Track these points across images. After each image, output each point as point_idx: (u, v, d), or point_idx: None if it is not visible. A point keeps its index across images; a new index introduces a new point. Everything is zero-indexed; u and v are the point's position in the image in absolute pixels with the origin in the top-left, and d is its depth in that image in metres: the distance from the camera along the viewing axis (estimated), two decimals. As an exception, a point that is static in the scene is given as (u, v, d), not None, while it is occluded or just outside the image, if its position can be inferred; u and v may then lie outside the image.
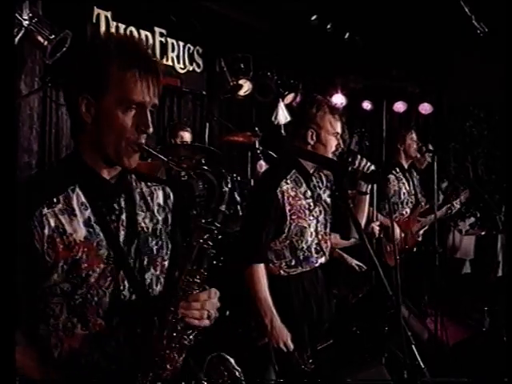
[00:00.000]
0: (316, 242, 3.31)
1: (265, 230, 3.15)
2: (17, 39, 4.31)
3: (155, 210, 2.00)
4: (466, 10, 5.82)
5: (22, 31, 4.39)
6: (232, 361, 1.92)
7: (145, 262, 1.91)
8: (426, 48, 7.50)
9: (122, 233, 1.86)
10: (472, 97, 8.29)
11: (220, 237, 1.84)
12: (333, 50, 7.58)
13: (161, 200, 2.03)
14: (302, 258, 3.26)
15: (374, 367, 2.96)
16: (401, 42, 7.45)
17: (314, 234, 3.30)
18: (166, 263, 2.01)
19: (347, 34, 7.47)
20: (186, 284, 1.80)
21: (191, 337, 1.82)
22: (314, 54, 7.53)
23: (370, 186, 3.44)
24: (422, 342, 3.99)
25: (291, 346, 3.05)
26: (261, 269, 3.13)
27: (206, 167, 1.85)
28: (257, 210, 3.26)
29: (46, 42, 4.57)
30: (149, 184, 2.02)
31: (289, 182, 3.24)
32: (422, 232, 5.53)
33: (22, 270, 1.69)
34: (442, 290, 4.88)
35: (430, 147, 5.90)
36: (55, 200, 1.77)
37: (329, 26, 7.16)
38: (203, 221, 1.82)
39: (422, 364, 2.29)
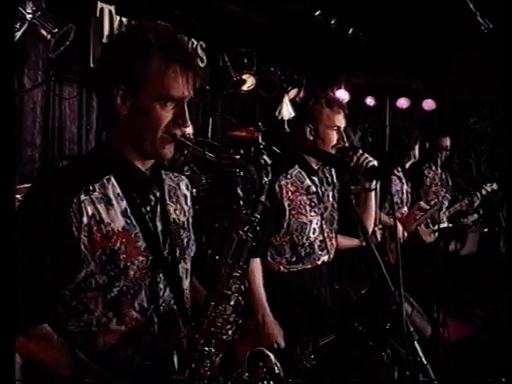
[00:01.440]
0: (320, 239, 3.28)
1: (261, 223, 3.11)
2: (20, 33, 4.30)
3: (182, 202, 2.01)
4: (471, 6, 5.80)
5: (26, 25, 4.38)
6: (272, 356, 1.91)
7: (177, 255, 1.90)
8: (429, 45, 7.47)
9: (158, 224, 1.85)
10: (475, 94, 8.27)
11: (259, 228, 1.82)
12: (336, 46, 7.56)
13: (185, 191, 2.04)
14: (303, 254, 3.24)
15: (375, 363, 2.95)
16: (403, 39, 7.43)
17: (317, 230, 3.27)
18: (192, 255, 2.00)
19: (351, 30, 7.45)
20: (226, 278, 1.78)
21: (230, 332, 1.78)
22: (317, 50, 7.51)
23: (374, 183, 3.37)
24: (424, 338, 3.98)
25: (282, 344, 3.02)
26: (255, 263, 3.08)
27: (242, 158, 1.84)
28: None
29: (49, 36, 4.56)
30: (175, 175, 2.03)
31: (289, 176, 3.22)
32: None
33: (55, 262, 1.66)
34: (444, 287, 4.88)
35: (448, 143, 5.90)
36: (91, 188, 1.74)
37: (333, 22, 7.13)
38: (244, 211, 1.81)
39: (424, 360, 2.29)
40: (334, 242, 3.38)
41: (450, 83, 8.42)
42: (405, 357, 2.33)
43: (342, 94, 8.05)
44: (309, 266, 3.27)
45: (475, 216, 6.98)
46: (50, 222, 1.65)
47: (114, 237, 1.73)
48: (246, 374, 1.88)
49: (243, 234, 1.79)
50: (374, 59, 7.88)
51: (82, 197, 1.71)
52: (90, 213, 1.70)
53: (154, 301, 1.80)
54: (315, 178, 3.32)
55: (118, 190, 1.77)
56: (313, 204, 3.26)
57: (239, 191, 1.75)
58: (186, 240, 1.96)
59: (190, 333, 1.77)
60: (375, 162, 3.12)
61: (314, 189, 3.28)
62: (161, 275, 1.81)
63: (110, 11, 5.98)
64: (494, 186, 5.81)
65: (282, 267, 3.22)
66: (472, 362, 4.42)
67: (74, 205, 1.69)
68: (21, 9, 4.28)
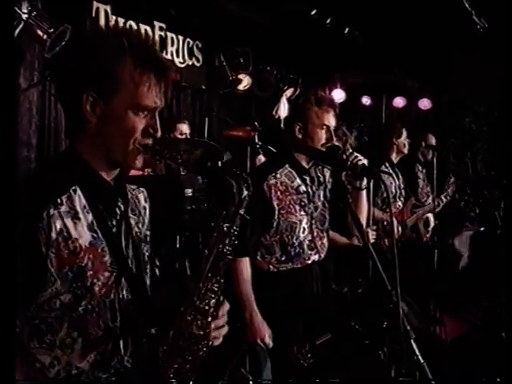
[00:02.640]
0: (309, 238, 3.27)
1: (250, 225, 3.04)
2: (16, 33, 4.29)
3: (143, 215, 1.94)
4: (466, 5, 5.81)
5: (21, 25, 4.38)
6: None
7: (141, 269, 1.84)
8: (425, 44, 7.48)
9: (123, 238, 1.78)
10: (470, 92, 8.29)
11: (237, 242, 1.79)
12: (332, 45, 7.57)
13: (144, 204, 1.96)
14: (293, 254, 3.23)
15: (372, 362, 2.96)
16: (399, 38, 7.44)
17: (307, 230, 3.26)
18: (155, 270, 1.96)
19: (347, 29, 7.46)
20: (204, 292, 1.74)
21: (205, 348, 1.74)
22: (313, 49, 7.52)
23: (365, 182, 3.39)
24: (421, 336, 3.99)
25: (270, 343, 3.03)
26: (244, 263, 3.09)
27: (224, 169, 1.81)
28: None
29: (45, 36, 4.56)
30: (133, 187, 1.94)
31: (279, 176, 3.20)
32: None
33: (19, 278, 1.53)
34: (441, 285, 4.90)
35: (433, 142, 5.93)
36: (59, 201, 1.64)
37: (328, 21, 7.14)
38: (225, 225, 1.77)
39: (421, 359, 2.29)
40: (324, 241, 3.37)
41: (445, 82, 8.42)
42: (401, 356, 2.33)
43: (338, 94, 8.06)
44: (299, 266, 3.26)
45: (471, 215, 7.00)
46: (20, 237, 1.55)
47: (82, 253, 1.65)
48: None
49: (222, 248, 1.77)
50: (369, 58, 7.89)
51: (52, 211, 1.61)
52: (58, 228, 1.62)
53: (119, 318, 1.74)
54: (306, 178, 3.30)
55: (84, 202, 1.69)
56: (302, 203, 3.25)
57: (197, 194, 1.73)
58: (146, 254, 1.91)
59: (165, 347, 1.72)
60: (365, 161, 3.12)
61: (303, 188, 3.26)
62: (124, 291, 1.76)
63: (106, 11, 5.98)
64: (450, 192, 5.82)
65: (271, 266, 3.21)
66: (468, 360, 4.43)
67: (43, 220, 1.60)
68: (17, 9, 4.28)
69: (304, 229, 3.26)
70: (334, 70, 8.39)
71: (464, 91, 8.23)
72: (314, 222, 3.30)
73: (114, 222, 1.76)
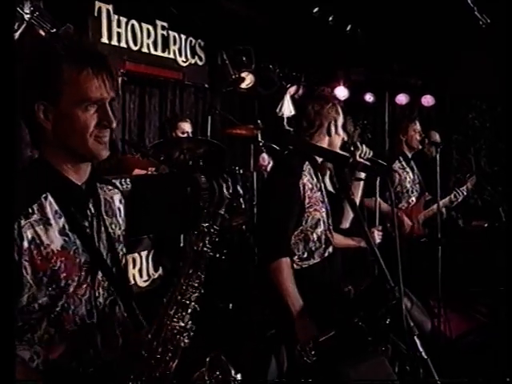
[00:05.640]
0: (325, 232, 3.32)
1: (290, 223, 3.15)
2: (18, 33, 4.30)
3: (117, 215, 2.01)
4: (469, 1, 5.81)
5: (24, 25, 4.39)
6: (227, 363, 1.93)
7: (115, 269, 1.90)
8: (427, 41, 7.48)
9: (96, 239, 1.85)
10: (473, 89, 8.27)
11: (217, 239, 1.86)
12: (335, 43, 7.56)
13: (119, 204, 2.02)
14: (313, 249, 3.26)
15: (375, 359, 2.96)
16: (402, 35, 7.43)
17: (322, 224, 3.31)
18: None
19: (349, 27, 7.46)
20: (185, 287, 1.83)
21: (186, 339, 1.82)
22: (315, 47, 7.51)
23: (364, 174, 3.54)
24: (424, 333, 3.99)
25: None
26: (288, 262, 3.10)
27: (206, 169, 1.87)
28: (281, 203, 3.18)
29: (47, 36, 4.57)
30: (109, 188, 2.01)
31: (306, 173, 3.25)
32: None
33: None
34: (445, 282, 4.89)
35: (437, 138, 5.93)
36: (30, 210, 1.70)
37: (330, 19, 7.14)
38: (204, 224, 1.85)
39: (424, 355, 2.30)
40: (332, 233, 3.44)
41: (448, 79, 8.42)
42: (405, 352, 2.33)
43: (341, 91, 8.06)
44: (318, 260, 3.29)
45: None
46: None
47: (54, 257, 1.71)
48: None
49: (202, 246, 1.84)
50: (372, 55, 7.89)
51: (22, 222, 1.67)
52: (29, 237, 1.68)
53: (96, 314, 1.82)
54: (318, 174, 3.37)
55: (56, 207, 1.75)
56: (322, 200, 3.31)
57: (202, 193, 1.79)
58: (121, 253, 1.97)
59: (147, 340, 1.79)
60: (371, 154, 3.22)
61: (319, 185, 3.32)
62: (100, 289, 1.83)
63: (108, 11, 5.99)
64: (469, 186, 5.83)
65: (294, 265, 3.22)
66: (473, 356, 4.43)
67: (14, 231, 1.65)
68: (19, 9, 4.29)
69: (323, 223, 3.31)
70: (337, 68, 8.39)
71: (467, 87, 8.22)
72: (326, 215, 3.34)
73: (86, 224, 1.83)
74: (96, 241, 1.84)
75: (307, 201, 3.21)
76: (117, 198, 2.02)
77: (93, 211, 1.86)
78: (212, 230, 1.84)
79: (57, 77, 1.72)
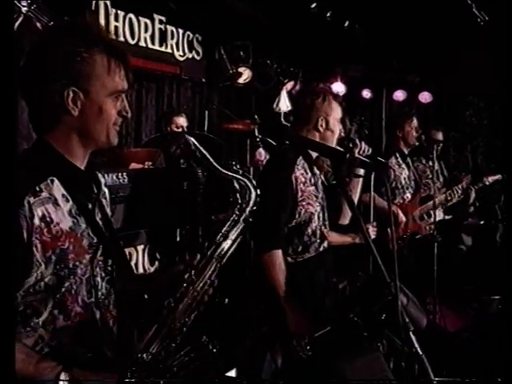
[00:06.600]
0: (319, 227, 3.33)
1: (282, 215, 3.17)
2: (15, 26, 4.29)
3: (107, 198, 2.05)
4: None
5: (21, 18, 4.37)
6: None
7: (119, 251, 1.96)
8: (425, 38, 7.48)
9: (100, 222, 1.88)
10: (471, 86, 8.28)
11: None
12: (332, 39, 7.56)
13: (105, 188, 2.04)
14: (308, 243, 3.28)
15: (371, 354, 2.97)
16: (400, 31, 7.43)
17: (317, 219, 3.32)
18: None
19: (347, 23, 7.45)
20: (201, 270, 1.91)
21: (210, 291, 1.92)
22: (313, 43, 7.51)
23: (363, 171, 3.56)
24: (420, 329, 4.00)
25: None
26: (280, 254, 3.12)
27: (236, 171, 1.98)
28: (274, 196, 3.17)
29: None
30: (97, 172, 2.02)
31: (299, 167, 3.26)
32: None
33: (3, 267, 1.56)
34: (440, 279, 4.90)
35: (440, 136, 5.94)
36: (38, 189, 1.70)
37: (328, 14, 7.13)
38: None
39: (419, 351, 2.30)
40: (328, 228, 3.45)
41: (446, 76, 8.42)
42: (400, 348, 2.34)
43: (339, 87, 8.06)
44: (313, 254, 3.30)
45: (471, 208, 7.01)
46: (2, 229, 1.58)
47: (63, 236, 1.72)
48: None
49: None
50: (370, 52, 7.88)
51: (32, 199, 1.67)
52: (40, 214, 1.68)
53: (94, 294, 1.83)
54: (313, 168, 3.37)
55: (63, 191, 1.77)
56: (316, 194, 3.32)
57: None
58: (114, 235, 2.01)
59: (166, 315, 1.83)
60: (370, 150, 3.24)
61: (314, 179, 3.33)
62: (97, 269, 1.84)
63: (106, 4, 5.97)
64: (464, 184, 5.85)
65: (289, 258, 3.24)
66: (468, 353, 4.44)
67: (24, 207, 1.65)
68: (16, 2, 4.28)
69: (318, 218, 3.31)
70: (335, 64, 8.38)
71: (464, 85, 8.22)
72: (321, 210, 3.35)
73: (90, 206, 1.85)
74: (100, 223, 1.87)
75: (300, 194, 3.23)
76: (102, 179, 2.04)
77: (95, 193, 1.89)
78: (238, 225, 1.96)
79: (90, 66, 1.75)
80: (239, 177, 2.00)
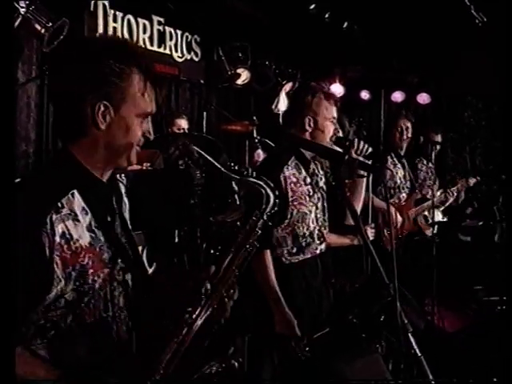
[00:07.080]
0: (318, 228, 3.32)
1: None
2: (14, 27, 4.29)
3: (126, 205, 2.02)
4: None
5: (20, 19, 4.37)
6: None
7: (139, 265, 1.94)
8: (424, 38, 7.48)
9: (119, 235, 1.86)
10: (469, 87, 8.28)
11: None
12: (331, 39, 7.56)
13: (125, 199, 2.02)
14: (304, 244, 3.27)
15: (370, 356, 2.97)
16: (399, 33, 7.43)
17: (314, 220, 3.31)
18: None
19: (345, 24, 7.45)
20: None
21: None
22: (312, 44, 7.51)
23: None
24: (418, 330, 4.00)
25: (298, 333, 3.05)
26: (267, 254, 3.12)
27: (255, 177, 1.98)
28: None
29: (43, 30, 4.55)
30: (117, 178, 2.03)
31: (290, 168, 3.25)
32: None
33: (24, 283, 1.60)
34: (439, 279, 4.90)
35: (438, 138, 5.95)
36: (59, 205, 1.69)
37: (327, 16, 7.13)
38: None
39: (418, 352, 2.30)
40: (327, 230, 3.45)
41: (444, 77, 8.42)
42: (399, 349, 2.34)
43: (337, 88, 8.06)
44: (309, 256, 3.29)
45: (469, 209, 7.02)
46: (24, 243, 1.61)
47: (83, 252, 1.72)
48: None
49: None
50: (368, 53, 7.88)
51: (54, 217, 1.67)
52: (60, 232, 1.67)
53: (111, 308, 1.82)
54: (309, 169, 3.36)
55: (83, 204, 1.75)
56: (310, 194, 3.31)
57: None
58: (140, 249, 2.01)
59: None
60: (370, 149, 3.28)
61: (309, 179, 3.32)
62: (115, 283, 1.83)
63: (104, 5, 5.97)
64: (460, 187, 5.89)
65: (283, 259, 3.23)
66: (467, 354, 4.44)
67: (47, 225, 1.65)
68: (15, 3, 4.27)
69: (313, 219, 3.31)
70: (333, 65, 8.38)
71: (463, 86, 8.23)
72: (318, 211, 3.36)
73: (111, 220, 1.84)
74: (120, 237, 1.86)
75: (291, 194, 3.22)
76: (122, 187, 2.04)
77: (115, 207, 1.88)
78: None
79: (125, 83, 1.75)
80: (260, 183, 2.04)
